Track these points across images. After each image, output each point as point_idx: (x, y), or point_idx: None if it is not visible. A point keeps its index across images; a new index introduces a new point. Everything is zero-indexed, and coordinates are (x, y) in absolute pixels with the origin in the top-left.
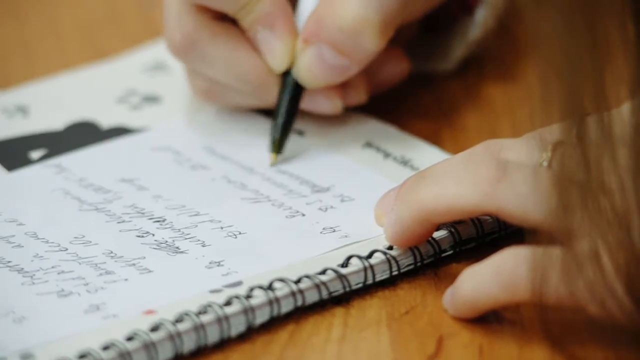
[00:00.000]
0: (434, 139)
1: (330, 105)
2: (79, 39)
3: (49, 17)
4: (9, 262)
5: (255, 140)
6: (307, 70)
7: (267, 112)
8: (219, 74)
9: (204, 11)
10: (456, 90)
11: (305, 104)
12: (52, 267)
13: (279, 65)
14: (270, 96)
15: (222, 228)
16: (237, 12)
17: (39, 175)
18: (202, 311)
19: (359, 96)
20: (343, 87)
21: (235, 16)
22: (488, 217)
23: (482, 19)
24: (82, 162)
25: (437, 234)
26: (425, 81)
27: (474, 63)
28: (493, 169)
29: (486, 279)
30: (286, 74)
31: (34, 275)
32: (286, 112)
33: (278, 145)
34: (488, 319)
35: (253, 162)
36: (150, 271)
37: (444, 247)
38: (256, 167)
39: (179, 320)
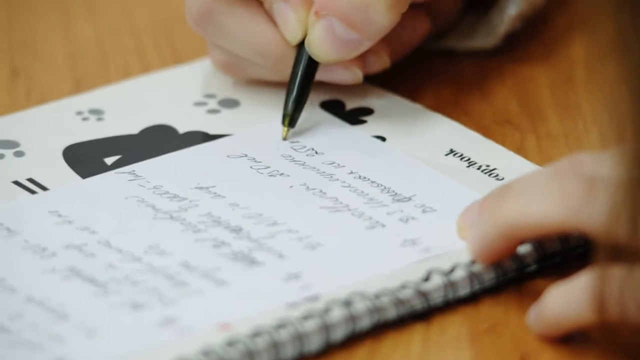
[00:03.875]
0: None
1: (349, 75)
2: (156, 40)
3: (125, 17)
4: (81, 271)
5: (336, 146)
6: (318, 44)
7: (350, 120)
8: (236, 46)
9: None
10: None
11: (323, 75)
12: (126, 278)
13: (293, 38)
14: (289, 70)
15: (300, 239)
16: None
17: (113, 182)
18: (280, 326)
19: (382, 62)
20: (362, 54)
21: None
22: None
23: None
24: (156, 169)
25: (520, 249)
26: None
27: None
28: (580, 185)
29: (574, 298)
30: (301, 46)
31: (106, 285)
32: (299, 85)
33: (290, 119)
34: (573, 339)
35: (333, 168)
36: (225, 283)
37: (527, 262)
38: (336, 173)
39: (255, 335)
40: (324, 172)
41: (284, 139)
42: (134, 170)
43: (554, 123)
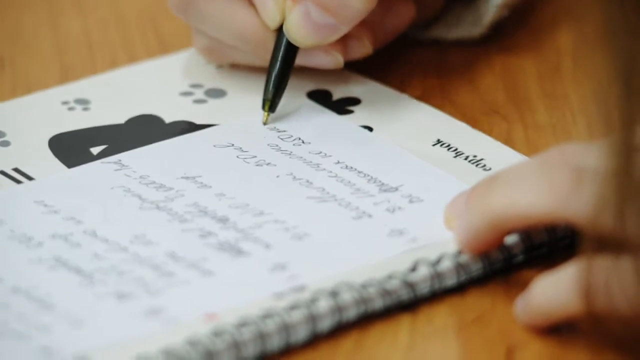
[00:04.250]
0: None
1: (329, 60)
2: (143, 30)
3: (112, 8)
4: (67, 261)
5: (323, 135)
6: (295, 29)
7: (337, 109)
8: (216, 31)
9: None
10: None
11: (304, 60)
12: (112, 268)
13: (272, 22)
14: (269, 54)
15: (286, 229)
16: None
17: (99, 172)
18: (266, 316)
19: (364, 48)
20: (344, 40)
21: None
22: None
23: None
24: (142, 159)
25: (508, 239)
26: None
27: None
28: (568, 175)
29: (561, 289)
30: (280, 31)
31: (92, 275)
32: (279, 70)
33: (270, 104)
34: (560, 329)
35: (319, 158)
36: (212, 273)
37: (514, 253)
38: (323, 163)
39: (241, 325)
40: (310, 162)
41: (264, 123)
42: (120, 160)
43: (541, 113)
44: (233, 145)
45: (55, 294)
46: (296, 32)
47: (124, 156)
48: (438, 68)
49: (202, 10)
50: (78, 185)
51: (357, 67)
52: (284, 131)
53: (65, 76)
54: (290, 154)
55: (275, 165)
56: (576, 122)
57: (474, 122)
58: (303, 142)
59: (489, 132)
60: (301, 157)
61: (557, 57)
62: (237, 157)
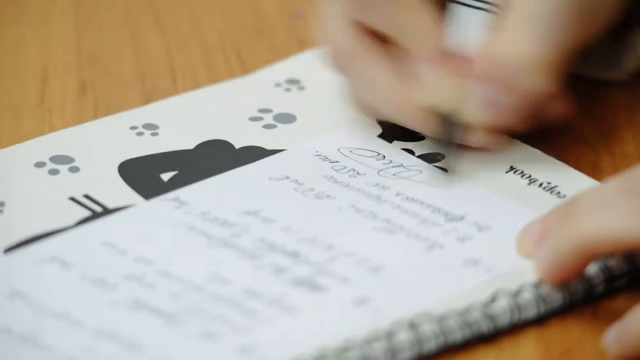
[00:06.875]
0: (589, 165)
1: (479, 140)
2: (225, 52)
3: (193, 29)
4: (146, 302)
5: (376, 167)
6: (471, 110)
7: (390, 138)
8: (363, 93)
9: (362, 28)
10: (621, 108)
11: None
12: (192, 307)
13: (427, 101)
14: (416, 125)
15: (359, 261)
16: (397, 37)
17: (158, 210)
18: (345, 349)
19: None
20: None
21: (395, 40)
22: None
23: None
24: (200, 195)
25: (588, 270)
26: (590, 91)
27: None
28: None
29: None
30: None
31: (175, 316)
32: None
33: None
34: None
35: (378, 190)
36: (295, 309)
37: (594, 283)
38: (383, 195)
39: (321, 357)
40: (370, 194)
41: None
42: (178, 197)
43: (629, 143)
44: (288, 177)
45: (141, 335)
46: (471, 114)
47: (181, 193)
48: None
49: (353, 70)
50: (140, 225)
51: None
52: (337, 162)
53: (147, 99)
54: (347, 186)
55: (335, 197)
56: None
57: (561, 152)
58: (358, 173)
59: (576, 161)
60: (359, 189)
61: None
62: (295, 189)
